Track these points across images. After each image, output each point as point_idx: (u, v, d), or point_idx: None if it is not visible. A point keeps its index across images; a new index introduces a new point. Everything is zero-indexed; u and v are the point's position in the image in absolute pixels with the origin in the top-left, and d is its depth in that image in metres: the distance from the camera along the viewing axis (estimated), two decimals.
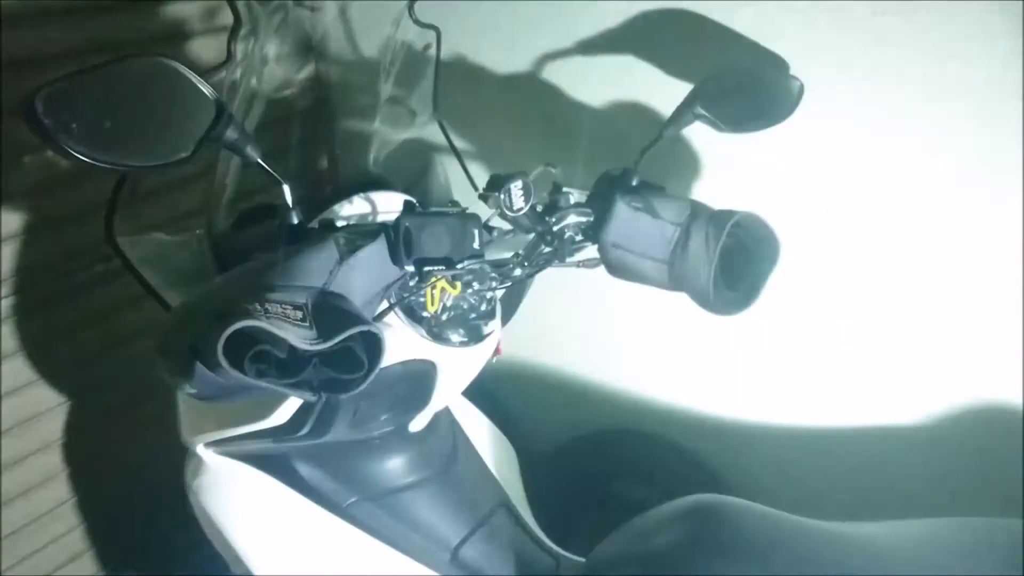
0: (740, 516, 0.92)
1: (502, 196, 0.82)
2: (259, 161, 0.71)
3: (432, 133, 1.11)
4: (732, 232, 0.87)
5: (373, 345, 0.65)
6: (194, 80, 0.64)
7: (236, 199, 1.04)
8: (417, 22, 1.05)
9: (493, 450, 1.24)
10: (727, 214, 0.88)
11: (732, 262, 0.89)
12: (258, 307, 0.61)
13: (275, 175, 0.72)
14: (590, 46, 1.24)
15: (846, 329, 1.22)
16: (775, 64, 1.07)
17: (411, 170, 1.14)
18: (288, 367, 0.63)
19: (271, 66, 1.16)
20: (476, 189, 0.99)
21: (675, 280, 0.91)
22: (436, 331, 0.92)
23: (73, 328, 1.38)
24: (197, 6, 1.34)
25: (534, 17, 1.27)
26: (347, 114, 1.59)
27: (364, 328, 0.62)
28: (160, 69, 0.63)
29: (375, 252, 0.73)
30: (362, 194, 0.97)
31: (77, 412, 1.45)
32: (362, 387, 0.64)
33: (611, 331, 1.47)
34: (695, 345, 1.38)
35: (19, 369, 1.32)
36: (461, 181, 1.04)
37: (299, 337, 0.61)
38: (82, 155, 0.57)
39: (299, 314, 0.63)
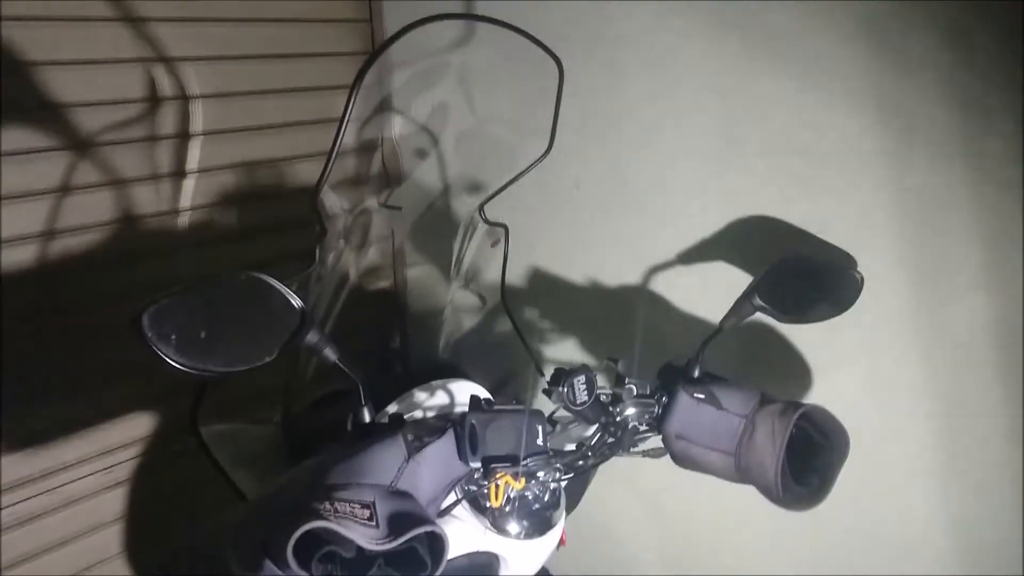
0: None
1: (565, 390, 0.84)
2: (336, 362, 0.75)
3: (500, 321, 1.16)
4: (799, 424, 0.87)
5: (437, 544, 0.66)
6: (283, 291, 0.70)
7: (311, 383, 1.09)
8: (486, 221, 1.12)
9: None
10: (793, 406, 0.88)
11: (800, 454, 0.88)
12: (327, 506, 0.63)
13: (351, 374, 0.76)
14: (652, 242, 1.29)
15: None
16: (836, 255, 1.10)
17: (479, 357, 1.18)
18: (354, 565, 0.64)
19: (351, 258, 1.25)
20: (541, 375, 1.02)
21: (742, 473, 0.89)
22: (499, 523, 0.92)
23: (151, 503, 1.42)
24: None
25: (595, 216, 1.34)
26: (418, 298, 1.66)
27: (429, 528, 0.64)
28: (251, 282, 0.69)
29: (442, 448, 0.76)
30: (431, 383, 1.01)
31: None
32: None
33: (683, 524, 1.42)
34: (776, 544, 1.32)
35: (93, 548, 1.35)
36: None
37: (366, 537, 0.62)
38: (179, 364, 0.63)
39: (366, 512, 0.65)
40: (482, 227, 1.14)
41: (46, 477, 1.26)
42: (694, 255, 1.24)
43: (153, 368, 0.61)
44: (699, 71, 1.16)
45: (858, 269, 1.01)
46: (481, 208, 1.10)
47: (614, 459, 0.96)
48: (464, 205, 1.34)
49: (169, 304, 0.63)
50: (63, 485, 1.29)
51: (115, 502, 1.37)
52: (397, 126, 1.46)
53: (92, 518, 1.34)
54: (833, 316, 1.00)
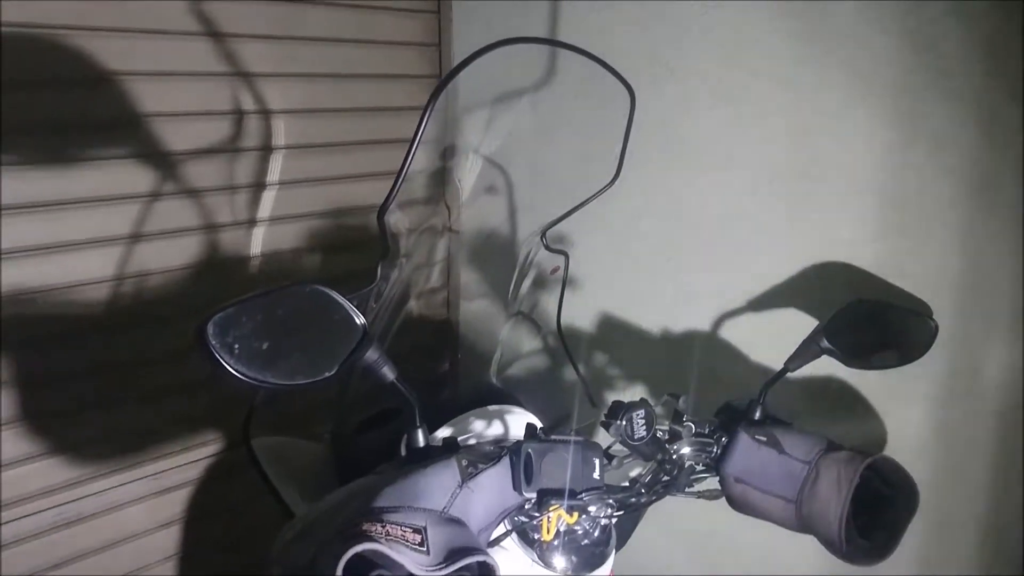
0: None
1: (623, 424, 0.82)
2: (394, 381, 0.74)
3: (554, 350, 1.15)
4: (865, 474, 0.83)
5: (486, 575, 0.64)
6: (345, 305, 0.69)
7: (363, 401, 1.09)
8: (548, 247, 1.11)
9: None
10: (860, 455, 0.85)
11: (866, 506, 0.84)
12: (379, 528, 0.62)
13: (408, 395, 0.75)
14: (715, 277, 1.26)
15: None
16: (910, 303, 1.06)
17: (530, 385, 1.17)
18: None
19: (410, 278, 1.25)
20: (594, 405, 0.99)
21: (803, 522, 0.86)
22: (547, 556, 0.89)
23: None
24: None
25: (657, 249, 1.32)
26: (472, 323, 1.66)
27: (480, 559, 0.62)
28: (315, 295, 0.68)
29: (496, 476, 0.74)
30: (485, 409, 0.99)
31: None
32: None
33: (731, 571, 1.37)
34: None
35: (137, 553, 1.37)
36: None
37: (415, 562, 0.61)
38: (241, 374, 0.62)
39: (418, 538, 0.63)
40: (542, 254, 1.13)
41: (95, 479, 1.28)
42: (760, 293, 1.21)
43: (207, 379, 0.60)
44: (771, 107, 1.13)
45: (933, 317, 0.97)
46: (543, 234, 1.09)
47: (667, 498, 0.93)
48: (525, 231, 1.33)
49: (234, 313, 0.62)
50: (111, 488, 1.31)
51: (161, 509, 1.38)
52: (463, 149, 1.47)
53: (137, 524, 1.36)
54: (903, 364, 0.96)
